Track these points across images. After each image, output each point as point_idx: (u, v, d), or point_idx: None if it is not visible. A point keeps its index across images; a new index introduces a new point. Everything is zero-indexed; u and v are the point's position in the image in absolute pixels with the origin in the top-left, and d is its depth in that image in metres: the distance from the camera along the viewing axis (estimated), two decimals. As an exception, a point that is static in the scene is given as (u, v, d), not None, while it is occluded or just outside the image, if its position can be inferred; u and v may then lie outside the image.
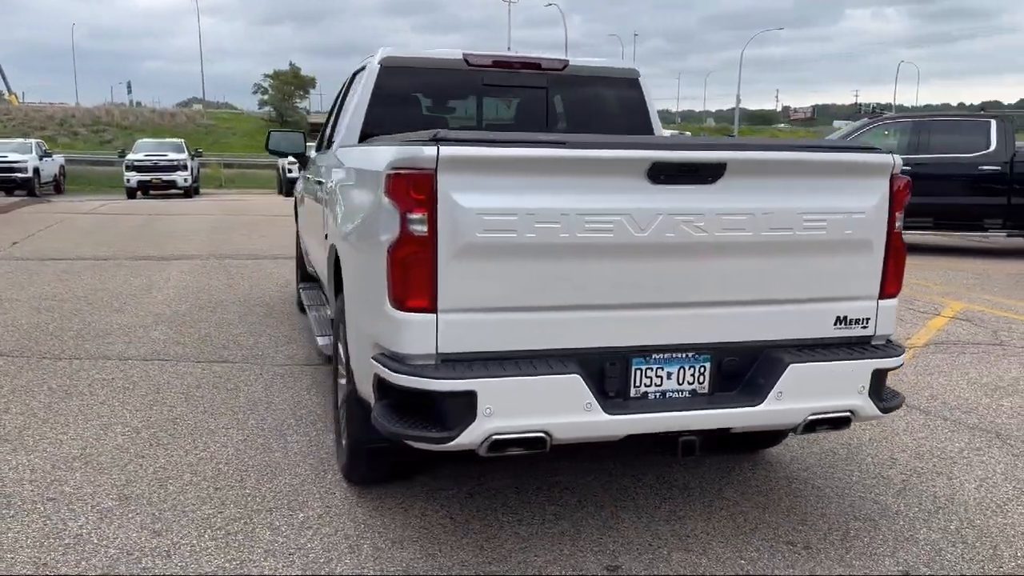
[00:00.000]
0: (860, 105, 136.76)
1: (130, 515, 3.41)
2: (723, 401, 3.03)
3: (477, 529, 3.36)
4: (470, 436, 2.72)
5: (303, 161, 6.46)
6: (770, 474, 3.99)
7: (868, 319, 3.20)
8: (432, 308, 2.75)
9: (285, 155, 6.60)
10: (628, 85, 4.91)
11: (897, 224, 3.17)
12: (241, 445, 4.20)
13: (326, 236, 4.23)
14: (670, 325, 2.98)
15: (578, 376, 2.78)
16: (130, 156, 28.05)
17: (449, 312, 2.76)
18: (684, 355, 3.02)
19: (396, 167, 2.75)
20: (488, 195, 2.73)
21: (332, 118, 5.52)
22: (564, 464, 3.96)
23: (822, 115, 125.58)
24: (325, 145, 5.50)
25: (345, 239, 3.38)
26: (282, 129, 7.92)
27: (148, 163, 27.48)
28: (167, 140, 32.13)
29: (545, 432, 2.77)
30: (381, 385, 2.89)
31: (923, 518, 3.56)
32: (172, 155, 28.02)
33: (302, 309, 7.10)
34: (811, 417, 3.06)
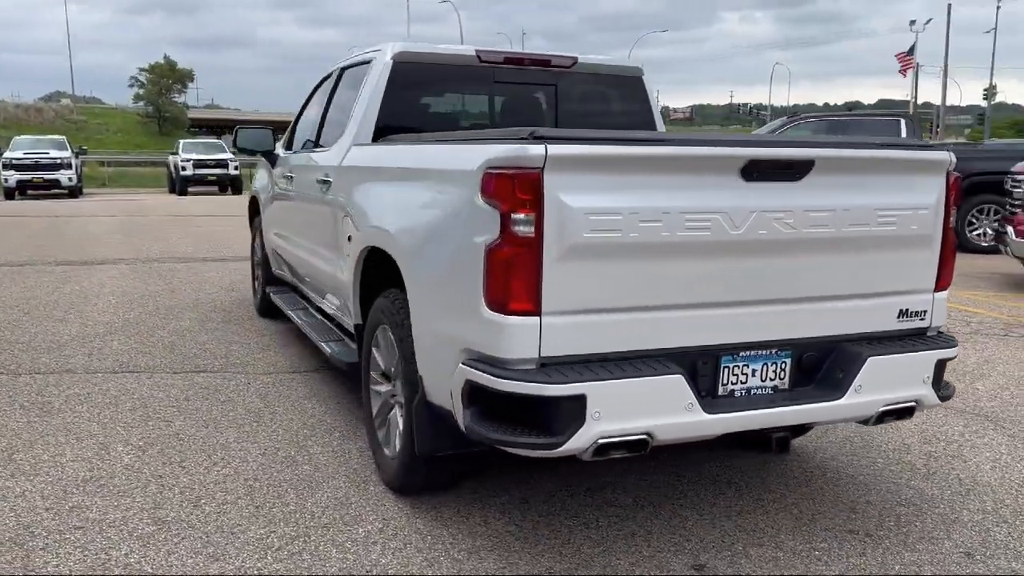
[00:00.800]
0: (737, 105, 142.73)
1: (176, 540, 3.17)
2: (805, 396, 3.06)
3: (547, 535, 3.29)
4: (578, 441, 2.65)
5: (271, 159, 6.19)
6: (802, 465, 4.07)
7: (925, 311, 3.30)
8: (536, 311, 2.67)
9: (254, 153, 6.30)
10: (633, 83, 4.92)
11: (951, 219, 3.28)
12: (262, 459, 3.98)
13: (349, 238, 4.04)
14: (756, 322, 2.99)
15: (681, 376, 2.76)
16: (7, 154, 26.34)
17: (552, 315, 2.68)
18: (768, 352, 3.04)
19: (496, 166, 2.65)
20: (594, 194, 2.67)
21: (320, 116, 5.28)
22: (600, 465, 3.93)
23: (699, 115, 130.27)
24: (312, 144, 5.27)
25: (407, 241, 3.23)
26: (249, 126, 7.46)
27: (28, 161, 25.93)
28: (47, 137, 30.40)
29: (648, 434, 2.74)
30: (474, 391, 2.78)
31: (959, 500, 3.70)
32: (54, 153, 26.55)
33: (264, 314, 6.82)
34: (883, 408, 3.13)
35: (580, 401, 2.62)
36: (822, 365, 3.13)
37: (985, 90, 69.60)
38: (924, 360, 3.19)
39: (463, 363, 2.81)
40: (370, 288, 3.94)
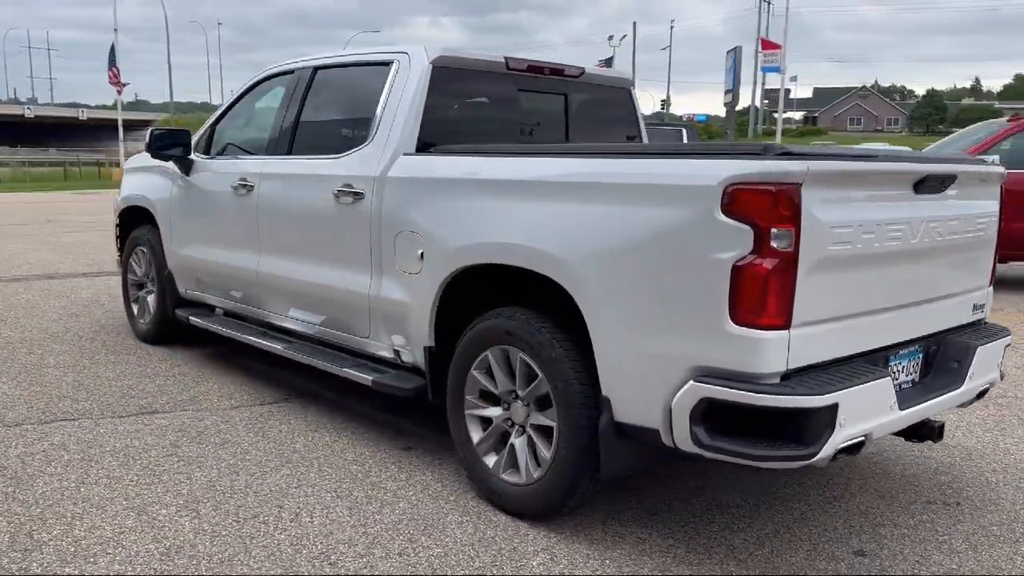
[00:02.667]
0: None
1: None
2: (937, 387, 3.40)
3: (701, 542, 3.34)
4: (828, 448, 2.76)
5: (185, 165, 5.49)
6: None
7: (984, 304, 3.80)
8: (786, 324, 2.73)
9: (168, 159, 5.53)
10: (625, 93, 5.04)
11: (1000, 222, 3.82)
12: (345, 501, 3.60)
13: (421, 256, 3.76)
14: (908, 323, 3.28)
15: (890, 378, 2.97)
16: None
17: (797, 327, 2.76)
18: (911, 349, 3.34)
19: (746, 182, 2.68)
20: (835, 208, 2.80)
21: (288, 120, 4.79)
22: (688, 471, 4.04)
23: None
24: (284, 151, 4.77)
25: (590, 261, 3.07)
26: (167, 126, 6.40)
27: None
28: None
29: (867, 435, 2.91)
30: (712, 407, 2.78)
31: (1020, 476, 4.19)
32: None
33: (157, 341, 6.05)
34: (977, 392, 3.58)
35: (833, 410, 2.73)
36: (935, 358, 3.50)
37: (663, 101, 77.47)
38: (1001, 346, 3.68)
39: (696, 380, 2.79)
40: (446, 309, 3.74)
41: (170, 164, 5.67)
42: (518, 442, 3.50)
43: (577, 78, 4.74)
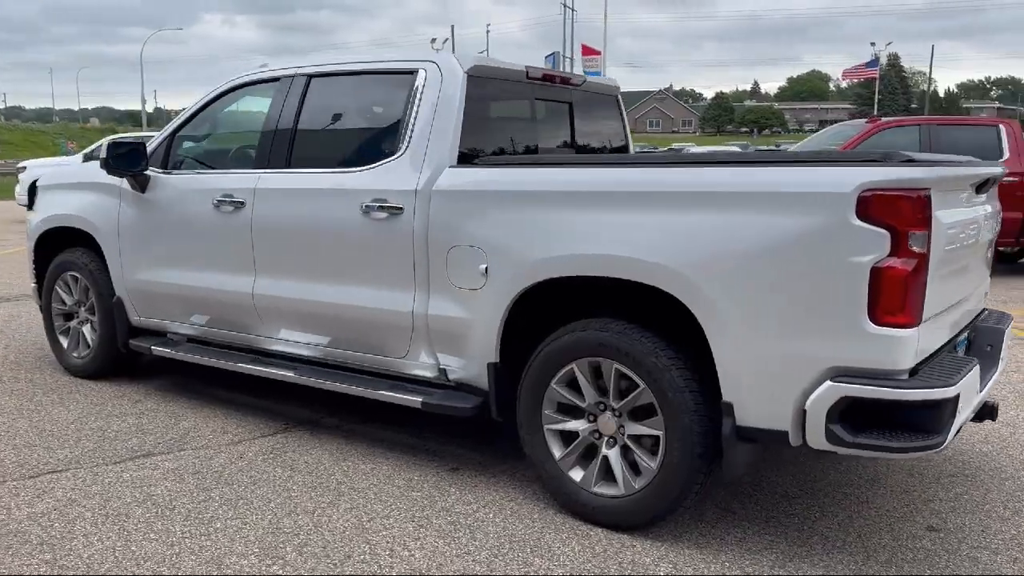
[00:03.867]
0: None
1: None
2: (985, 370, 3.72)
3: (797, 534, 3.48)
4: (951, 436, 2.97)
5: (141, 182, 5.02)
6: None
7: (987, 292, 4.20)
8: (917, 322, 2.91)
9: (124, 175, 5.02)
10: (613, 100, 5.11)
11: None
12: (442, 532, 3.45)
13: (485, 271, 3.66)
14: (964, 312, 3.58)
15: (978, 366, 3.23)
16: None
17: (923, 324, 2.95)
18: (963, 337, 3.64)
19: (881, 188, 2.83)
20: (946, 211, 3.03)
21: (283, 131, 4.49)
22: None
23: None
24: (282, 163, 4.47)
25: (713, 269, 3.09)
26: (125, 139, 5.60)
27: None
28: None
29: (964, 420, 3.16)
30: (853, 405, 2.91)
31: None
32: None
33: (97, 375, 5.51)
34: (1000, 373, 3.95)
35: (957, 399, 2.94)
36: (975, 343, 3.83)
37: None
38: (1011, 329, 4.08)
39: (833, 380, 2.91)
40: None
41: (116, 180, 5.15)
42: (611, 453, 3.49)
43: (579, 87, 4.77)
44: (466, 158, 3.96)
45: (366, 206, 4.04)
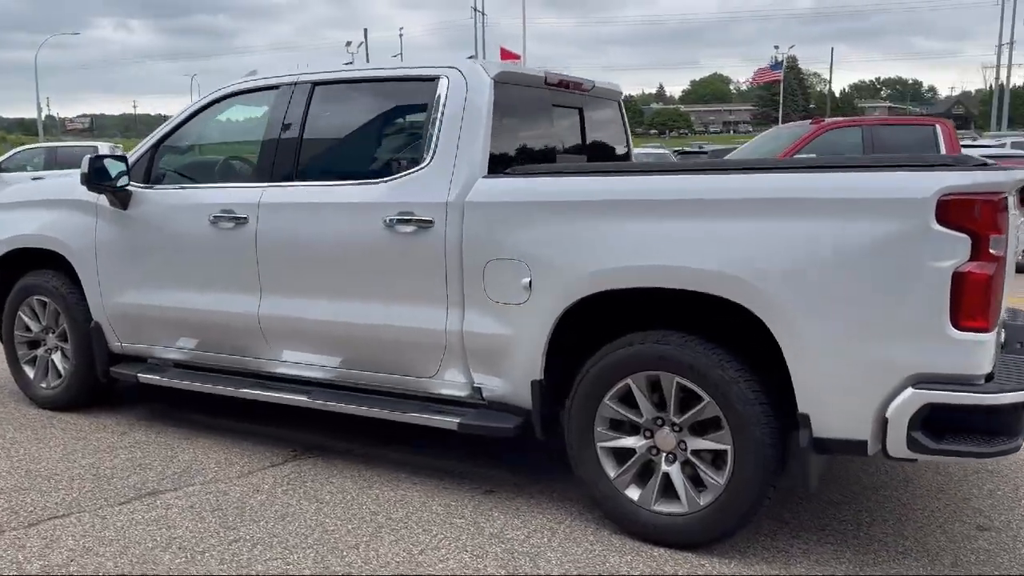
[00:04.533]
0: (135, 115, 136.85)
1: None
2: None
3: (854, 542, 3.45)
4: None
5: (123, 198, 4.68)
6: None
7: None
8: (994, 325, 2.91)
9: (104, 191, 4.66)
10: (616, 104, 5.03)
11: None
12: (502, 561, 3.29)
13: (528, 285, 3.51)
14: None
15: None
16: None
17: (995, 327, 2.95)
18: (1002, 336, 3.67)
19: (960, 192, 2.82)
20: (1013, 215, 3.03)
21: (288, 142, 4.25)
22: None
23: (97, 125, 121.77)
24: (289, 176, 4.23)
25: (787, 278, 3.00)
26: (105, 154, 5.12)
27: None
28: None
29: None
30: (935, 411, 2.89)
31: None
32: None
33: (67, 407, 5.15)
34: None
35: None
36: (1007, 341, 3.88)
37: None
38: None
39: (915, 387, 2.88)
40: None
41: (92, 196, 4.80)
42: (672, 470, 3.39)
43: (589, 92, 4.67)
44: (493, 168, 3.80)
45: (390, 220, 3.84)
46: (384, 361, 4.04)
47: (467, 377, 3.84)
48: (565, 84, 4.43)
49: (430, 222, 3.76)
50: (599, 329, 3.58)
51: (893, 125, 11.61)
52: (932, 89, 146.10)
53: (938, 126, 11.17)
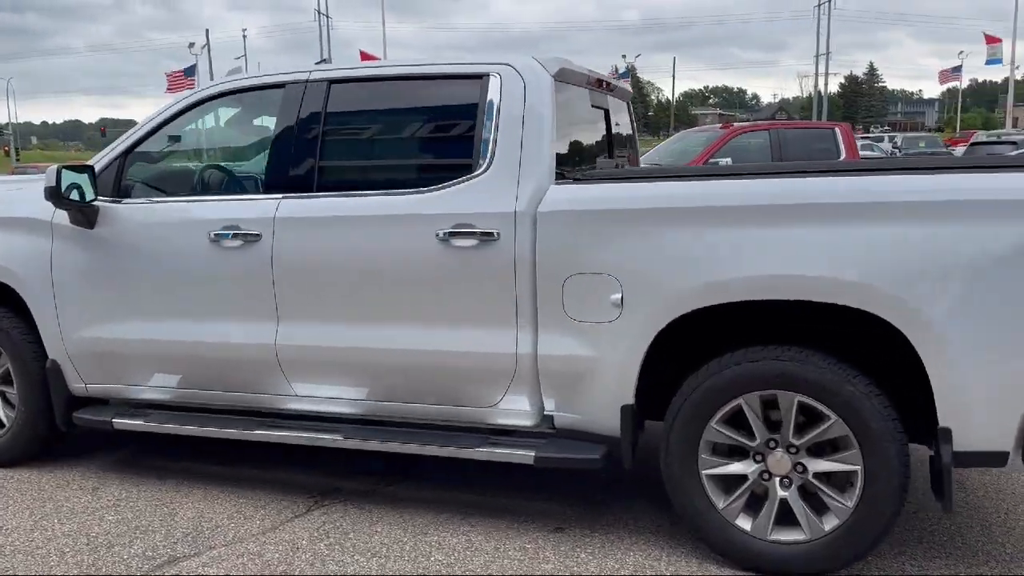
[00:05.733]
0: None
1: None
2: None
3: (964, 552, 3.34)
4: None
5: (88, 215, 4.01)
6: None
7: None
8: None
9: (70, 207, 3.95)
10: (626, 104, 4.78)
11: None
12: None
13: (619, 302, 3.20)
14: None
15: None
16: None
17: None
18: None
19: None
20: None
21: (304, 148, 3.74)
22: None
23: None
24: (303, 186, 3.72)
25: (941, 283, 2.80)
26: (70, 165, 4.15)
27: None
28: None
29: None
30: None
31: None
32: None
33: (15, 461, 4.42)
34: None
35: None
36: None
37: None
38: None
39: None
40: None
41: (44, 213, 4.09)
42: (789, 495, 3.15)
43: (613, 92, 4.40)
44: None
45: (446, 233, 3.43)
46: (433, 391, 3.61)
47: (536, 404, 3.47)
48: (602, 83, 4.14)
49: (494, 235, 3.37)
50: (690, 346, 3.31)
51: (797, 129, 11.98)
52: (756, 96, 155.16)
53: (837, 129, 11.62)
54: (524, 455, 3.44)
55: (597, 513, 3.73)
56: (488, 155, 3.46)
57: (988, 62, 48.66)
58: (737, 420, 3.18)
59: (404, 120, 3.80)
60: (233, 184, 4.14)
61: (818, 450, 3.12)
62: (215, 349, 3.88)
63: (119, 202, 4.03)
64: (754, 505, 3.22)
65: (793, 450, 3.13)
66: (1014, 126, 52.11)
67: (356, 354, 3.67)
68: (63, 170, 3.81)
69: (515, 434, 3.60)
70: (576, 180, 3.45)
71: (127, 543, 3.53)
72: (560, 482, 3.99)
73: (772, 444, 3.16)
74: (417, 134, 3.78)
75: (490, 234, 3.38)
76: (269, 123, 4.03)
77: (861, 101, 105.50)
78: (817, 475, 3.12)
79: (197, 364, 3.96)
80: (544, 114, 3.46)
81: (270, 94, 3.95)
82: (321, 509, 3.83)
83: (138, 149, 4.11)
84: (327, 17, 59.41)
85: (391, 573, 3.24)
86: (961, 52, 62.64)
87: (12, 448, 4.40)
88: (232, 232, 3.75)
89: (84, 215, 4.00)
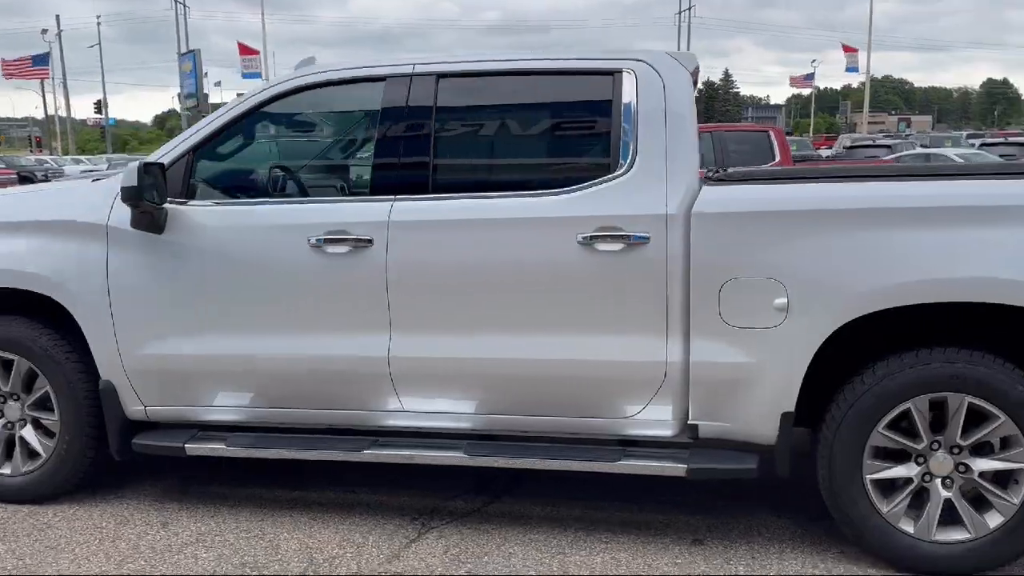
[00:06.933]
0: None
1: None
2: None
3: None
4: None
5: (156, 222, 3.60)
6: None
7: None
8: None
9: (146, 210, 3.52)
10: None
11: None
12: None
13: (784, 307, 3.13)
14: None
15: None
16: None
17: None
18: None
19: None
20: None
21: (420, 147, 3.48)
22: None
23: None
24: (421, 187, 3.47)
25: None
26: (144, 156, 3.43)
27: None
28: None
29: None
30: None
31: None
32: None
33: (41, 496, 3.98)
34: None
35: None
36: None
37: (97, 103, 69.18)
38: None
39: None
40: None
41: (101, 217, 3.66)
42: (952, 495, 3.17)
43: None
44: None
45: (588, 237, 3.26)
46: (560, 402, 3.44)
47: (680, 414, 3.36)
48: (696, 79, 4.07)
49: (644, 238, 3.24)
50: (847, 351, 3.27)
51: (734, 132, 12.33)
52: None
53: (771, 132, 12.06)
54: (676, 467, 3.32)
55: (732, 521, 3.65)
56: (629, 155, 3.32)
57: (848, 69, 54.74)
58: (902, 423, 3.17)
59: (527, 117, 3.61)
60: (330, 186, 3.81)
61: (979, 450, 3.15)
62: (313, 363, 3.57)
63: (191, 204, 3.65)
64: (914, 507, 3.22)
65: (956, 450, 3.15)
66: (868, 131, 55.60)
67: (478, 365, 3.45)
68: (147, 166, 3.40)
69: (642, 445, 3.48)
70: (719, 181, 3.36)
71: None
72: (664, 492, 3.88)
73: (935, 446, 3.17)
74: (543, 133, 3.60)
75: (640, 238, 3.24)
76: (357, 119, 3.75)
77: (717, 106, 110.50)
78: (982, 474, 3.15)
79: (287, 380, 3.63)
80: (685, 111, 3.36)
81: (365, 88, 3.67)
82: (434, 532, 3.59)
83: (208, 146, 3.73)
84: (184, 6, 55.96)
85: (557, 598, 3.05)
86: (815, 60, 67.23)
87: (50, 481, 3.91)
88: (338, 237, 3.45)
89: (153, 218, 3.58)
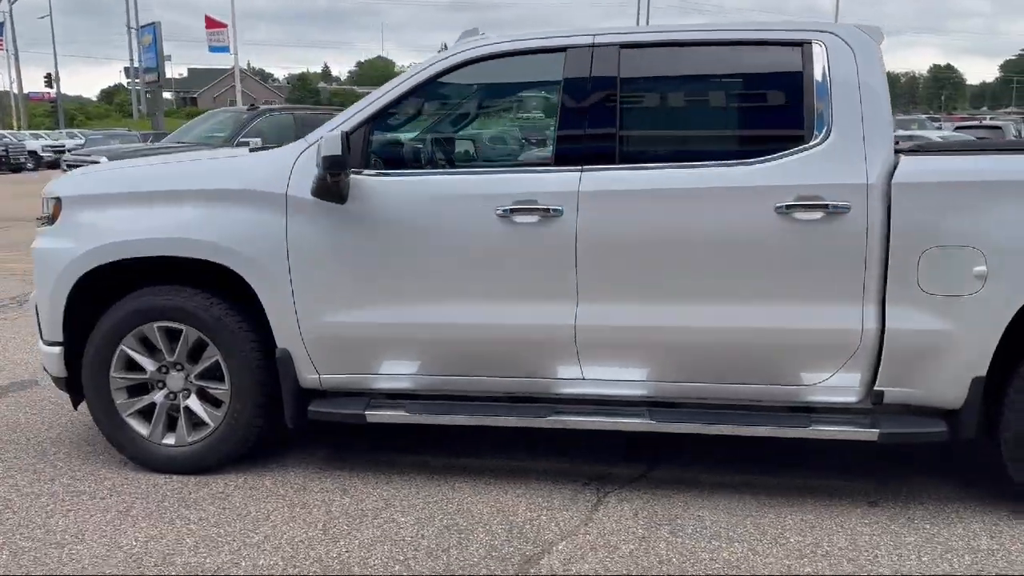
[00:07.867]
0: None
1: None
2: None
3: None
4: None
5: (340, 191, 3.60)
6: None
7: None
8: None
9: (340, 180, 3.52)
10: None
11: None
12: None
13: (982, 278, 3.22)
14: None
15: None
16: None
17: None
18: None
19: None
20: None
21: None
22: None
23: None
24: (608, 156, 3.51)
25: None
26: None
27: None
28: None
29: None
30: None
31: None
32: None
33: (204, 467, 3.98)
34: None
35: None
36: None
37: (47, 76, 67.50)
38: None
39: None
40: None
41: (280, 186, 3.66)
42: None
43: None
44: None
45: (786, 206, 3.33)
46: (752, 370, 3.52)
47: (867, 381, 3.45)
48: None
49: (845, 207, 3.31)
50: None
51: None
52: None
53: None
54: (867, 432, 3.41)
55: (891, 487, 3.75)
56: (825, 125, 3.39)
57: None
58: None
59: (712, 88, 3.67)
60: (515, 155, 3.83)
61: None
62: (497, 331, 3.61)
63: (368, 174, 3.65)
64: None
65: None
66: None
67: (665, 334, 3.52)
68: (341, 137, 3.41)
69: (820, 411, 3.56)
70: (910, 152, 3.43)
71: (456, 545, 3.24)
72: (816, 455, 3.99)
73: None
74: (730, 103, 3.67)
75: (841, 207, 3.31)
76: (533, 90, 3.77)
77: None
78: None
79: (469, 348, 3.67)
80: (878, 82, 3.44)
81: (545, 58, 3.69)
82: (612, 496, 3.66)
83: (384, 117, 3.74)
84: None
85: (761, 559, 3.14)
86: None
87: (217, 450, 3.92)
88: (527, 207, 3.49)
89: (338, 187, 3.58)
